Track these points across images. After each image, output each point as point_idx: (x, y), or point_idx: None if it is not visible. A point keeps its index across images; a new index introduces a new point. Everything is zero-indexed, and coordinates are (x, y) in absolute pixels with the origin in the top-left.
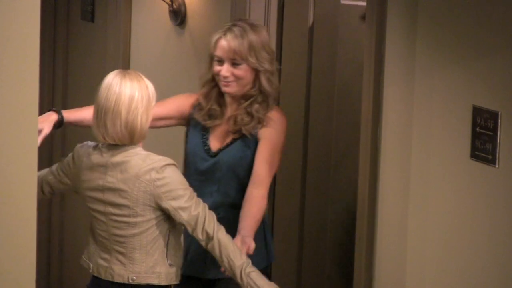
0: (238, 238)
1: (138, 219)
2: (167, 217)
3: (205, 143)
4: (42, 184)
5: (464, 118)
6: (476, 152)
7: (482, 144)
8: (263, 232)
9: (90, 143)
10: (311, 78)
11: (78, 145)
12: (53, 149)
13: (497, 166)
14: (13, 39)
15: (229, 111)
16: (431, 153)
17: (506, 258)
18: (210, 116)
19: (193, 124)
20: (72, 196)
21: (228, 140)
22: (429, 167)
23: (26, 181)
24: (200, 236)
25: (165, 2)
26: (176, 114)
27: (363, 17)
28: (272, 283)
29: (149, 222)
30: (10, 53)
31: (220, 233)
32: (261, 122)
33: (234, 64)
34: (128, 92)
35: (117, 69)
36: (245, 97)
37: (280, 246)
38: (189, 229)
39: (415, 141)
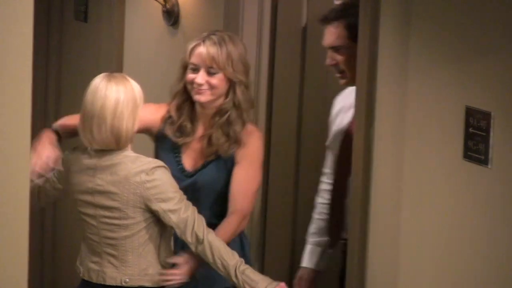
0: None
1: (129, 221)
2: (157, 220)
3: (178, 163)
4: (38, 193)
5: (457, 119)
6: (469, 153)
7: (475, 144)
8: (240, 244)
9: (80, 147)
10: (304, 79)
11: (68, 150)
12: None
13: (489, 167)
14: (6, 39)
15: (201, 128)
16: (424, 153)
17: (500, 258)
18: (181, 132)
19: (161, 140)
20: (64, 199)
21: (204, 159)
22: (422, 167)
23: (18, 183)
24: (189, 239)
25: (159, 2)
26: (142, 130)
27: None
28: (266, 277)
29: (140, 224)
30: (3, 53)
31: (210, 236)
32: (237, 142)
33: (209, 72)
34: (114, 96)
35: (111, 69)
36: (219, 112)
37: (272, 247)
38: (178, 232)
39: (408, 141)
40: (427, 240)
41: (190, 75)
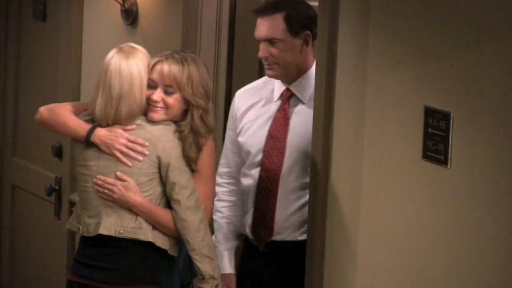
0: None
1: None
2: (161, 180)
3: None
4: None
5: (416, 119)
6: (428, 153)
7: (434, 144)
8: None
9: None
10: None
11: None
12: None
13: (449, 167)
14: None
15: None
16: (383, 153)
17: (456, 259)
18: None
19: None
20: (23, 197)
21: None
22: (381, 167)
23: None
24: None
25: (117, 1)
26: None
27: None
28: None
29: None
30: None
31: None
32: (189, 165)
33: (166, 92)
34: (137, 72)
35: (69, 68)
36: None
37: None
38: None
39: (367, 141)
40: (385, 240)
41: (147, 92)
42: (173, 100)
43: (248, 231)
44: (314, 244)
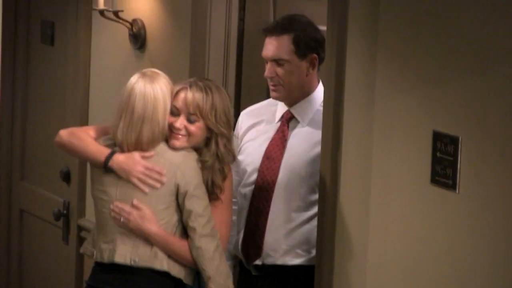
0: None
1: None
2: (178, 208)
3: None
4: None
5: (425, 143)
6: (437, 178)
7: (443, 169)
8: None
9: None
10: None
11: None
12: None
13: (457, 192)
14: None
15: None
16: (391, 178)
17: (464, 283)
18: None
19: None
20: (31, 222)
21: None
22: (389, 192)
23: None
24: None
25: (125, 25)
26: None
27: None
28: None
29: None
30: None
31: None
32: (214, 193)
33: (189, 120)
34: (161, 97)
35: (77, 92)
36: (200, 162)
37: None
38: (185, 217)
39: (375, 166)
40: (393, 264)
41: (171, 118)
42: (196, 128)
43: (238, 249)
44: (323, 267)
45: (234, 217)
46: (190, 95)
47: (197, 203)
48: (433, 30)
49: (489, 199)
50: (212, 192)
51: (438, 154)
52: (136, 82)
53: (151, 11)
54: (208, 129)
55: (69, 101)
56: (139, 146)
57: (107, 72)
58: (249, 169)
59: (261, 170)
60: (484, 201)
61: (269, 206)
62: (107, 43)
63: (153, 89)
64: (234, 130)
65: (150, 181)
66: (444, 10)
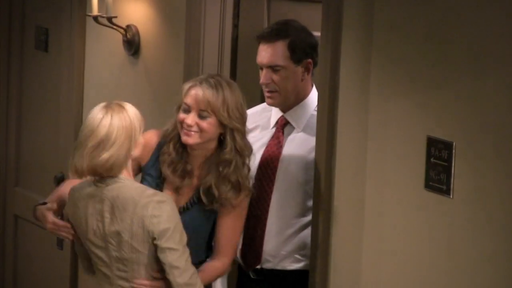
0: None
1: (138, 254)
2: None
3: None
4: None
5: (419, 149)
6: (431, 183)
7: (437, 174)
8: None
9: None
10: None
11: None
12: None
13: (451, 197)
14: None
15: (197, 171)
16: (385, 183)
17: (458, 287)
18: (181, 174)
19: (149, 168)
20: (25, 227)
21: (188, 198)
22: (383, 197)
23: None
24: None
25: (119, 32)
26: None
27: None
28: None
29: (149, 257)
30: None
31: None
32: (241, 190)
33: (201, 116)
34: (106, 125)
35: (71, 98)
36: (223, 163)
37: None
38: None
39: (370, 171)
40: (387, 269)
41: (181, 115)
42: (207, 124)
43: (238, 255)
44: (317, 278)
45: None
46: (200, 92)
47: (170, 255)
48: (427, 35)
49: (483, 204)
50: (239, 192)
51: (432, 159)
52: (96, 112)
53: (145, 17)
54: (222, 125)
55: (63, 107)
56: (92, 172)
57: (101, 78)
58: None
59: (257, 177)
60: (479, 206)
61: (267, 213)
62: (101, 49)
63: (102, 118)
64: None
65: (63, 233)
66: (439, 15)
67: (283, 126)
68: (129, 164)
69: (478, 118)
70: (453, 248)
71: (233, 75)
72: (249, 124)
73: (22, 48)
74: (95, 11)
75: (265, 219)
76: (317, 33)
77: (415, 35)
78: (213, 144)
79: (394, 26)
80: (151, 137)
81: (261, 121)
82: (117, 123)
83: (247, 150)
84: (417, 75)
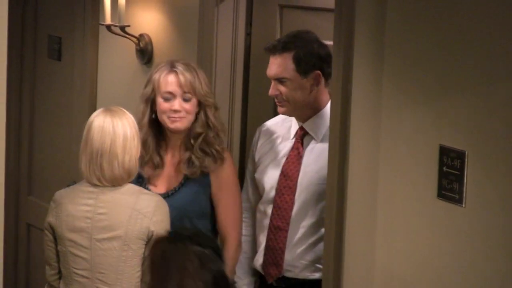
0: None
1: (129, 252)
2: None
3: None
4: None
5: (431, 158)
6: (443, 192)
7: (449, 183)
8: None
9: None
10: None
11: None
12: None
13: (464, 206)
14: None
15: (169, 155)
16: (397, 192)
17: None
18: (152, 165)
19: None
20: (38, 236)
21: (173, 185)
22: (396, 206)
23: None
24: None
25: (132, 41)
26: None
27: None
28: None
29: (139, 258)
30: None
31: None
32: (218, 159)
33: (185, 99)
34: (121, 132)
35: (84, 107)
36: (193, 137)
37: None
38: None
39: (382, 180)
40: (400, 278)
41: (165, 104)
42: (191, 106)
43: (258, 266)
44: (330, 283)
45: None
46: (181, 77)
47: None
48: (440, 44)
49: (495, 213)
50: (215, 161)
51: (444, 168)
52: (97, 116)
53: (158, 26)
54: (199, 104)
55: (76, 116)
56: (103, 181)
57: (114, 87)
58: (267, 186)
59: (278, 188)
60: (491, 215)
61: (288, 225)
62: (114, 58)
63: (113, 123)
64: (250, 146)
65: None
66: (452, 23)
67: (302, 137)
68: None
69: (490, 127)
70: (465, 257)
71: (245, 83)
72: (270, 134)
73: (35, 57)
74: (108, 20)
75: (286, 230)
76: (330, 42)
77: (428, 43)
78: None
79: (407, 34)
80: None
81: (281, 131)
82: (119, 127)
83: (219, 125)
84: (429, 84)
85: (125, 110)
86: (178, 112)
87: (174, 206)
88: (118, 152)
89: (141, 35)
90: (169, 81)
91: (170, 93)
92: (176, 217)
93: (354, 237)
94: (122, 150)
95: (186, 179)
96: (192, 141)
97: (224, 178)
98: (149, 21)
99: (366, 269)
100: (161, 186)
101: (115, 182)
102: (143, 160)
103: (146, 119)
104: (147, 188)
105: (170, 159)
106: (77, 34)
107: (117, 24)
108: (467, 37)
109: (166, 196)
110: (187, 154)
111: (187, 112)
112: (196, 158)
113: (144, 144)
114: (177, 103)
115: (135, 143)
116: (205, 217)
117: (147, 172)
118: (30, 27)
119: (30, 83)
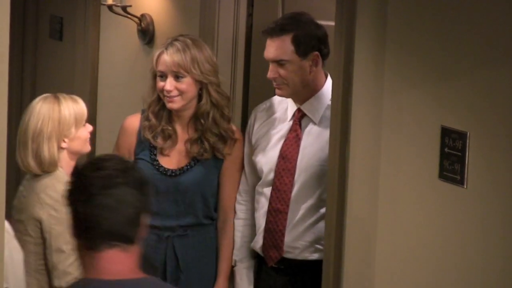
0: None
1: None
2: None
3: (158, 163)
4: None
5: (433, 139)
6: (445, 173)
7: (451, 164)
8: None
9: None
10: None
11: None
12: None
13: (465, 187)
14: None
15: (180, 131)
16: (399, 173)
17: (474, 279)
18: (164, 136)
19: (139, 145)
20: None
21: (187, 161)
22: (397, 187)
23: None
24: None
25: (134, 21)
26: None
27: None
28: None
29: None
30: None
31: None
32: (228, 139)
33: (177, 77)
34: (35, 119)
35: (85, 87)
36: (201, 117)
37: None
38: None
39: (384, 161)
40: (402, 260)
41: (160, 83)
42: (185, 84)
43: (258, 248)
44: (331, 265)
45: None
46: (167, 57)
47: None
48: (443, 24)
49: (497, 194)
50: (228, 139)
51: (446, 149)
52: (36, 102)
53: (160, 6)
54: (198, 82)
55: (77, 96)
56: (24, 168)
57: (115, 67)
58: (265, 169)
59: (277, 170)
60: (493, 196)
61: (287, 207)
62: (116, 38)
63: (32, 110)
64: (231, 101)
65: None
66: (455, 3)
67: (300, 119)
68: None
69: (492, 108)
70: (467, 238)
71: (247, 64)
72: (267, 116)
73: (36, 37)
74: (109, 0)
75: (286, 213)
76: (331, 23)
77: (430, 25)
78: (195, 102)
79: (409, 15)
80: (132, 121)
81: (278, 113)
82: (48, 116)
83: (223, 100)
84: (431, 64)
85: (61, 98)
86: (170, 92)
87: (189, 183)
88: (28, 140)
89: (142, 15)
90: (160, 61)
91: (161, 72)
92: (192, 195)
93: (356, 219)
94: (31, 138)
95: (197, 160)
96: (202, 121)
97: (233, 160)
98: (151, 1)
99: (367, 250)
100: (172, 159)
101: (28, 170)
102: (156, 131)
103: (155, 94)
104: (157, 160)
105: (181, 134)
106: (78, 14)
107: (118, 4)
108: (473, 17)
109: (176, 174)
110: (196, 135)
111: (181, 91)
112: (205, 140)
113: (156, 115)
114: (168, 83)
115: (48, 132)
116: (214, 197)
117: (159, 142)
118: (32, 7)
119: (31, 63)
